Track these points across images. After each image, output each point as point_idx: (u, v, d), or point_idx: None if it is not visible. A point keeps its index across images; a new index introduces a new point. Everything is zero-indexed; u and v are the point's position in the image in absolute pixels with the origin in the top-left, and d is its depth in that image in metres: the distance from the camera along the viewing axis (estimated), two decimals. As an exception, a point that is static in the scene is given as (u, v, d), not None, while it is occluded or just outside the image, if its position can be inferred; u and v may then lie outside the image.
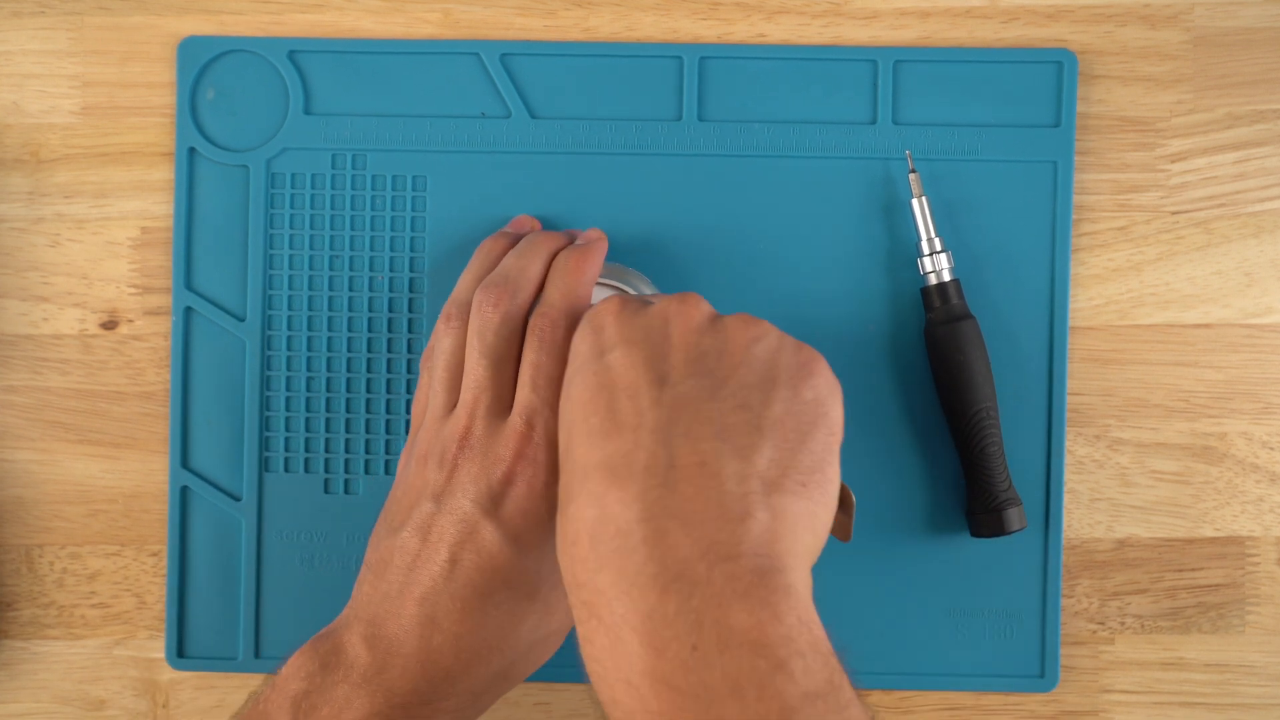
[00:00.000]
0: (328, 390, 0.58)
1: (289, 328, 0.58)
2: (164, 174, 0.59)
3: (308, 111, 0.59)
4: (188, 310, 0.58)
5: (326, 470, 0.58)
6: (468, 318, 0.52)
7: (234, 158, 0.59)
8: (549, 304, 0.51)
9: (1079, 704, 0.59)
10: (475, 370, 0.50)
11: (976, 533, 0.57)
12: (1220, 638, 0.59)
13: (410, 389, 0.58)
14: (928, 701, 0.59)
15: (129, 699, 0.59)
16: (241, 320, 0.58)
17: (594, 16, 0.59)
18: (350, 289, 0.59)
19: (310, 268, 0.58)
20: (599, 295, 0.55)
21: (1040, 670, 0.58)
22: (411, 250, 0.59)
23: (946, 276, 0.57)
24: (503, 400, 0.50)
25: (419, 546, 0.48)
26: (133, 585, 0.59)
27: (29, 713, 0.59)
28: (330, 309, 0.58)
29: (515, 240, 0.56)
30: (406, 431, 0.58)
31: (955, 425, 0.57)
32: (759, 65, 0.59)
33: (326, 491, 0.58)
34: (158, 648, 0.59)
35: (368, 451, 0.58)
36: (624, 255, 0.58)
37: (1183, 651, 0.59)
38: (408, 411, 0.58)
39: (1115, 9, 0.59)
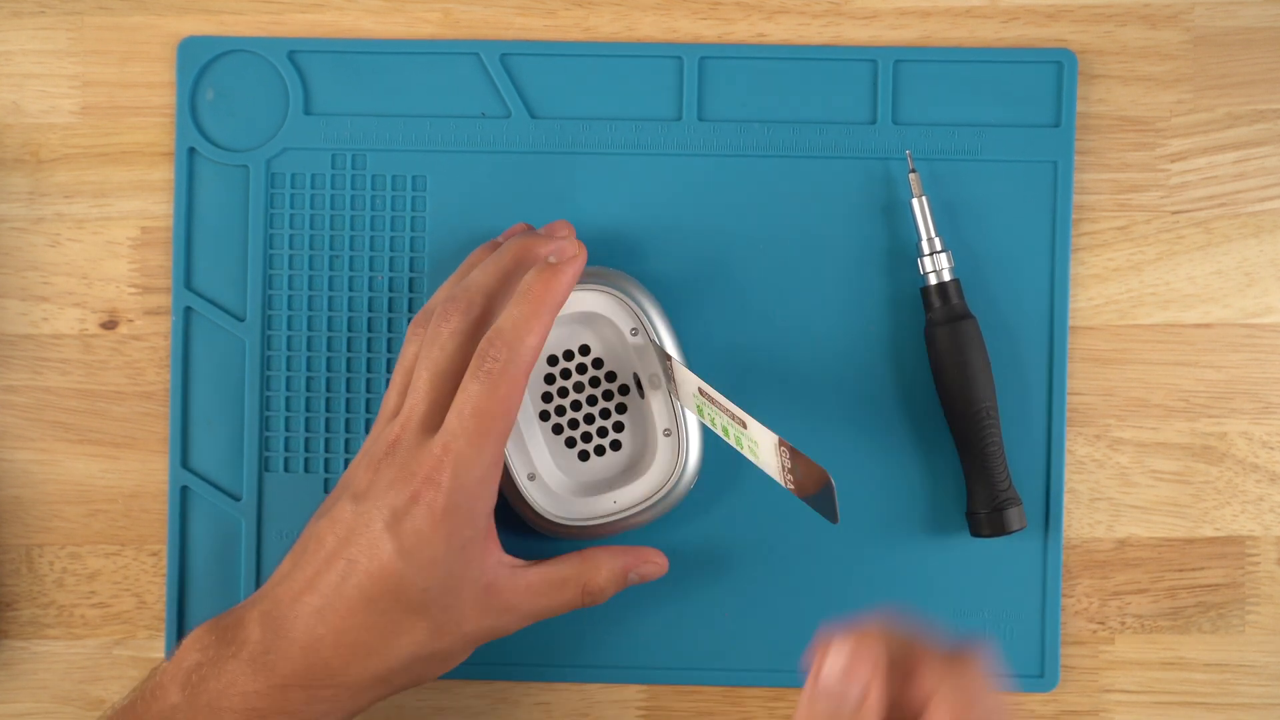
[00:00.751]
0: (328, 390, 0.58)
1: (289, 328, 0.58)
2: (164, 174, 0.59)
3: (308, 111, 0.59)
4: (187, 310, 0.58)
5: (326, 470, 0.58)
6: None
7: (234, 158, 0.58)
8: (499, 332, 0.50)
9: (1079, 704, 0.59)
10: (418, 382, 0.51)
11: (976, 533, 0.57)
12: (1220, 637, 0.59)
13: (410, 389, 0.58)
14: (928, 701, 0.59)
15: (129, 699, 0.59)
16: (241, 320, 0.58)
17: (594, 16, 0.59)
18: (350, 289, 0.59)
19: (310, 268, 0.58)
20: (584, 299, 0.55)
21: (1040, 670, 0.58)
22: (411, 250, 0.59)
23: (946, 276, 0.57)
24: (436, 417, 0.50)
25: (331, 542, 0.50)
26: (132, 585, 0.59)
27: (29, 712, 0.59)
28: (330, 309, 0.58)
29: None
30: (406, 431, 0.58)
31: (955, 425, 0.57)
32: (759, 65, 0.58)
33: (326, 491, 0.58)
34: (158, 647, 0.59)
35: (368, 451, 0.58)
36: (622, 255, 0.58)
37: (1183, 651, 0.59)
38: (408, 411, 0.58)
39: (1115, 9, 0.59)
